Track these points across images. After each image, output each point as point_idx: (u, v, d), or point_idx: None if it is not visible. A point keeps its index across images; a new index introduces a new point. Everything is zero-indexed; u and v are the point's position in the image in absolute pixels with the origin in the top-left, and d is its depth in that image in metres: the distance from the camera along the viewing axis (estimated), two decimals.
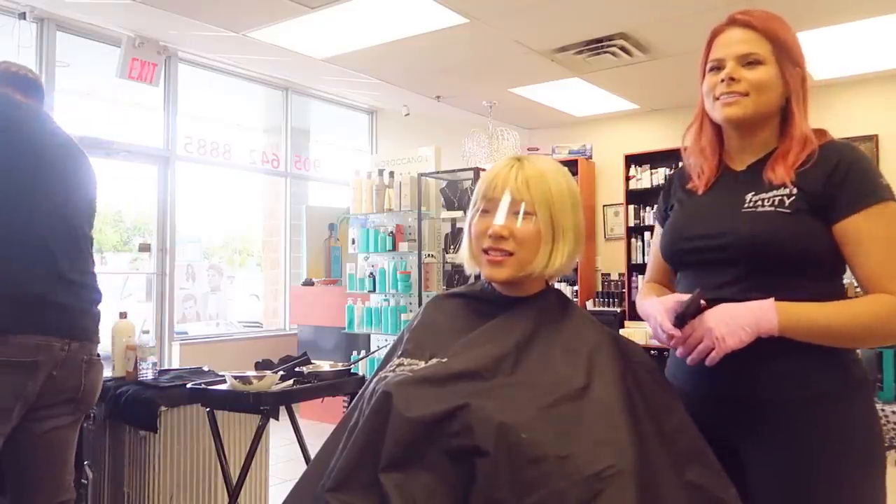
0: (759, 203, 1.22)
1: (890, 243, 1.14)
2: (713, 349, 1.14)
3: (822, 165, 1.18)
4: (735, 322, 1.13)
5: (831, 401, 1.18)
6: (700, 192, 1.34)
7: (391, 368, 1.15)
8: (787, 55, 1.24)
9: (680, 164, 1.46)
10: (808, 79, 1.28)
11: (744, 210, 1.23)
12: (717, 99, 1.26)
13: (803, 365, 1.18)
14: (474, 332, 1.17)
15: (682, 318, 1.19)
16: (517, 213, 1.18)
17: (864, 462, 1.19)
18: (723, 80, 1.24)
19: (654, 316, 1.25)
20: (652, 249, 1.50)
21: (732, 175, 1.32)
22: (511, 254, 1.17)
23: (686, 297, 1.20)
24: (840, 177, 1.16)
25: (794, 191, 1.19)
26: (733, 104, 1.24)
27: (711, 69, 1.28)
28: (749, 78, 1.23)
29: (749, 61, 1.23)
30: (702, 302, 1.20)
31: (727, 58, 1.24)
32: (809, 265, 1.19)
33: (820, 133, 1.24)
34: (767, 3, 2.22)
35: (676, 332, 1.19)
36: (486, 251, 1.20)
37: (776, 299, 1.15)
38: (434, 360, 1.13)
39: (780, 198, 1.20)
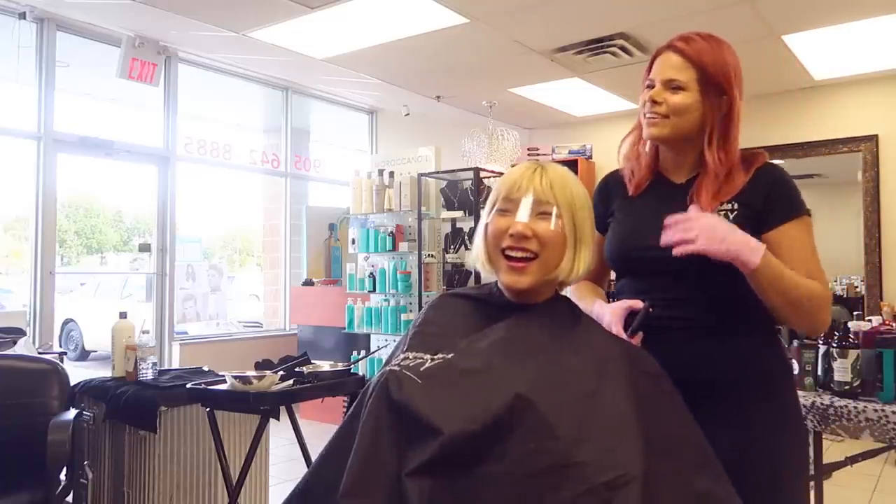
0: None
1: (808, 246, 1.32)
2: (688, 242, 1.21)
3: (760, 184, 1.34)
4: (722, 231, 1.22)
5: (775, 378, 1.34)
6: (631, 193, 1.45)
7: (396, 362, 1.13)
8: (711, 84, 1.32)
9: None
10: (740, 106, 1.36)
11: None
12: (645, 117, 1.37)
13: (756, 342, 1.33)
14: (482, 331, 1.15)
15: (635, 330, 1.29)
16: (540, 213, 1.15)
17: (799, 435, 1.37)
18: (648, 101, 1.36)
19: (605, 321, 1.33)
20: None
21: (673, 186, 1.41)
22: (535, 256, 1.14)
23: (634, 303, 1.32)
24: (776, 193, 1.33)
25: (736, 206, 1.33)
26: (654, 124, 1.36)
27: (647, 87, 1.38)
28: (670, 102, 1.33)
29: (673, 86, 1.33)
30: (649, 309, 1.31)
31: (656, 80, 1.36)
32: None
33: (756, 156, 1.36)
34: (768, 3, 2.21)
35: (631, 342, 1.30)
36: (506, 255, 1.16)
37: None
38: (440, 356, 1.11)
39: (724, 213, 1.33)
